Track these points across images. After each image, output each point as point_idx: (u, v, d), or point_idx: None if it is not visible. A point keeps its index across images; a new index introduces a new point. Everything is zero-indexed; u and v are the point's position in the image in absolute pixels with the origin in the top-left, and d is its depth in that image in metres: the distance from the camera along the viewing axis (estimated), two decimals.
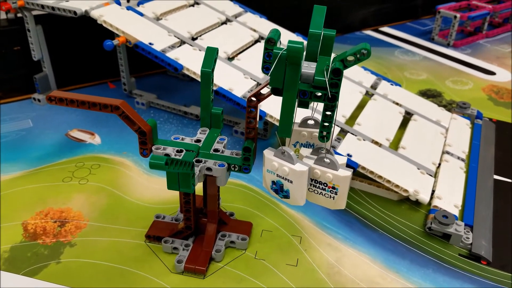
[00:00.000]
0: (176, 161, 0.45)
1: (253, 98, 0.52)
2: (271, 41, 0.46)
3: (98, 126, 0.89)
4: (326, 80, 0.45)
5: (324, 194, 0.51)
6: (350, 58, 0.46)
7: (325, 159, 0.50)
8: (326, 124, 0.50)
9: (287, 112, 0.48)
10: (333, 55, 0.48)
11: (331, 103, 0.47)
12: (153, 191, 0.73)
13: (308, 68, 0.47)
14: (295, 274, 0.59)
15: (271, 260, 0.61)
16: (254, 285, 0.57)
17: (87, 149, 0.82)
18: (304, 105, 0.51)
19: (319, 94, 0.47)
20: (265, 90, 0.52)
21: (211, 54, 0.57)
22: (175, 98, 0.99)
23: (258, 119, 0.54)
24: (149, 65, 1.08)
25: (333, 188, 0.50)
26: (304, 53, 0.47)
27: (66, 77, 1.02)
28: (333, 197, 0.50)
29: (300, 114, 0.53)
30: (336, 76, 0.45)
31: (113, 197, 0.71)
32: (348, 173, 0.49)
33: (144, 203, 0.70)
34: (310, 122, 0.56)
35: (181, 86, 1.06)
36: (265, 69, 0.48)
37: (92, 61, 1.04)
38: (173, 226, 0.63)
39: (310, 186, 0.51)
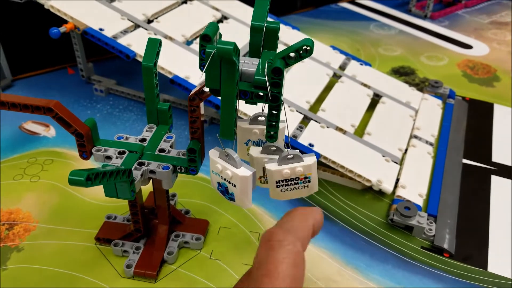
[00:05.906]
0: (104, 173, 0.41)
1: (195, 97, 0.49)
2: (206, 38, 0.42)
3: None
4: (266, 79, 0.42)
5: (298, 187, 0.49)
6: (292, 55, 0.42)
7: (288, 156, 0.47)
8: (273, 123, 0.47)
9: (227, 114, 0.44)
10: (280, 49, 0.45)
11: (273, 103, 0.44)
12: None
13: (250, 65, 0.43)
14: None
15: (226, 259, 0.59)
16: (207, 287, 0.56)
17: (41, 143, 0.79)
18: (253, 103, 0.48)
19: (261, 94, 0.43)
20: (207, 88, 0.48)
21: (153, 47, 0.53)
22: (136, 84, 0.94)
23: (202, 118, 0.51)
24: None
25: (305, 178, 0.48)
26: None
27: (22, 63, 0.97)
28: (307, 186, 0.49)
29: (253, 110, 0.50)
30: (277, 76, 0.42)
31: (65, 196, 0.68)
32: (314, 158, 0.48)
33: (97, 201, 0.67)
34: (261, 118, 0.52)
35: None
36: (202, 67, 0.44)
37: (48, 46, 0.98)
38: (124, 227, 0.60)
39: (282, 187, 0.49)
